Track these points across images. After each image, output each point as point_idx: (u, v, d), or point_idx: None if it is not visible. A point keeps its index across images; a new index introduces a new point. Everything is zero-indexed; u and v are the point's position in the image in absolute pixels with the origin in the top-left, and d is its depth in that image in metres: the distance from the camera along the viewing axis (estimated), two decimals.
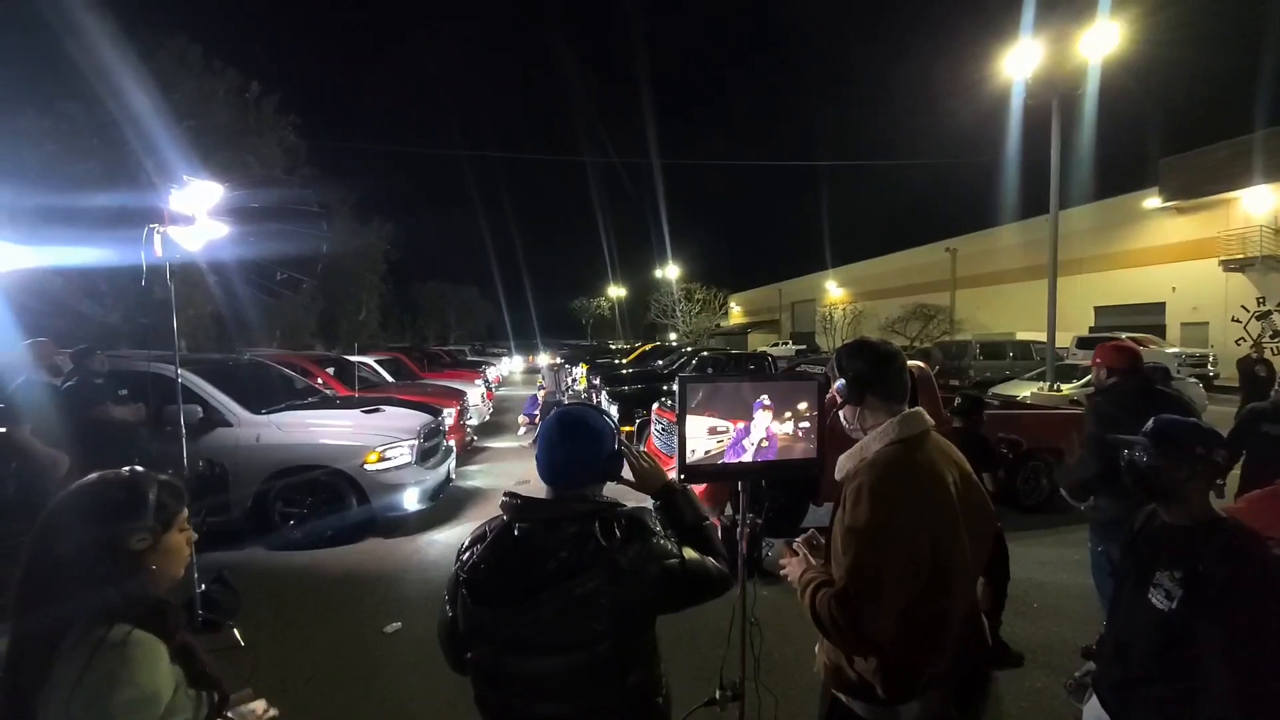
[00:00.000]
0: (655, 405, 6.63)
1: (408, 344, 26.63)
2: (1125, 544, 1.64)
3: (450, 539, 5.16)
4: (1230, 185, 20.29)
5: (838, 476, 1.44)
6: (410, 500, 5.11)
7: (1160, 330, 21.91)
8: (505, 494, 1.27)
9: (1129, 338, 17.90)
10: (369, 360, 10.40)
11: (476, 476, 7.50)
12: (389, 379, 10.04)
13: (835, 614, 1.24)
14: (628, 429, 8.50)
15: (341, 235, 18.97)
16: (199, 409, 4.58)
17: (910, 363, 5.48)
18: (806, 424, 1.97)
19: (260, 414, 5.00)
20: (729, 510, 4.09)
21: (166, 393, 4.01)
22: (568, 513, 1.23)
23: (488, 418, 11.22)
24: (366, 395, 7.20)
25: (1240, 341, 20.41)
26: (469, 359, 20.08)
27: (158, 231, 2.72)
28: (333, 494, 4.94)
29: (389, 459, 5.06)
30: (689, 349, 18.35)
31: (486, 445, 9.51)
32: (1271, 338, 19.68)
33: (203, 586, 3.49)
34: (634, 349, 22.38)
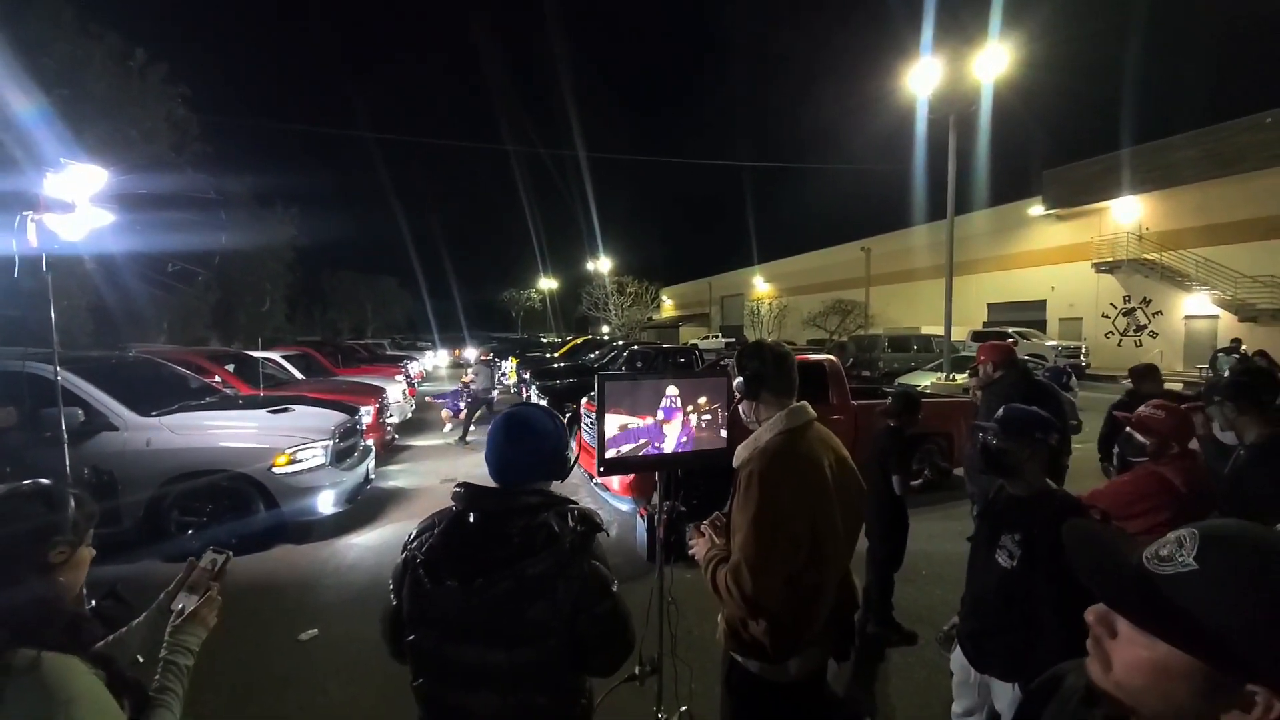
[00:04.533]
0: (584, 399, 6.70)
1: (318, 338, 24.89)
2: (979, 513, 1.90)
3: (371, 542, 5.00)
4: (1102, 196, 22.83)
5: (735, 464, 1.59)
6: (325, 503, 4.90)
7: (1041, 325, 24.40)
8: (456, 484, 1.31)
9: (1015, 332, 19.87)
10: (275, 356, 9.73)
11: (399, 476, 7.26)
12: (298, 376, 9.46)
13: (730, 584, 1.38)
14: None
15: (241, 220, 17.45)
16: (79, 412, 4.17)
17: (823, 357, 5.82)
18: (714, 416, 2.12)
19: (150, 416, 4.62)
20: (655, 500, 4.25)
21: (42, 394, 3.63)
22: (520, 504, 1.27)
23: (410, 415, 10.83)
24: (273, 394, 6.78)
25: (1109, 335, 23.12)
26: (388, 353, 19.18)
27: (32, 219, 2.46)
28: (237, 500, 4.66)
29: (300, 461, 4.83)
30: (620, 342, 18.51)
31: (409, 444, 9.21)
32: (1135, 331, 22.42)
33: (93, 603, 3.22)
34: (565, 342, 22.26)
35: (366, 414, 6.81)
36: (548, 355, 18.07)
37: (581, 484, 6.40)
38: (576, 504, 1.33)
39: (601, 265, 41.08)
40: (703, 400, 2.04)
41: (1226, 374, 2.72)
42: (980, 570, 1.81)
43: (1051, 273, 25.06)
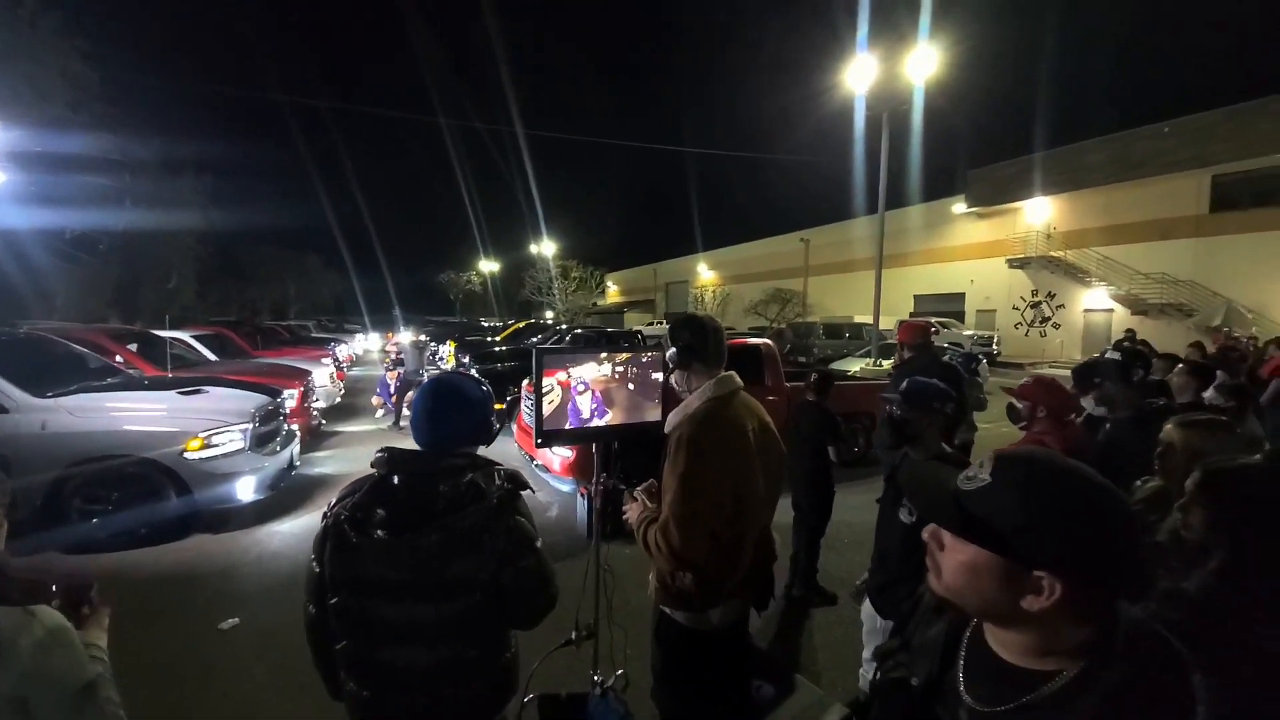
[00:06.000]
0: (526, 381, 6.65)
1: (234, 318, 23.18)
2: (886, 476, 2.07)
3: (295, 529, 4.81)
4: (1017, 196, 24.54)
5: (666, 430, 1.66)
6: (244, 490, 4.65)
7: (960, 316, 26.12)
8: (378, 450, 1.30)
9: (937, 322, 21.17)
10: (183, 335, 9.06)
11: (325, 463, 6.98)
12: (211, 357, 8.86)
13: (659, 539, 1.46)
14: (499, 407, 8.41)
15: (147, 188, 15.94)
16: None
17: (760, 340, 6.04)
18: (654, 389, 2.18)
19: (45, 397, 4.24)
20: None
21: None
22: (446, 465, 1.28)
23: (339, 400, 10.34)
24: (184, 375, 6.34)
25: (1018, 326, 25.01)
26: (313, 335, 18.17)
27: None
28: (145, 486, 4.35)
29: (216, 445, 4.55)
30: (564, 326, 18.38)
31: (337, 430, 8.82)
32: (1040, 323, 24.36)
33: None
34: (507, 326, 21.87)
35: (290, 397, 6.49)
36: (489, 339, 17.71)
37: (522, 466, 6.38)
38: (502, 465, 1.36)
39: (545, 249, 40.38)
40: (654, 375, 2.07)
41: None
42: (886, 528, 1.98)
43: (971, 267, 26.81)
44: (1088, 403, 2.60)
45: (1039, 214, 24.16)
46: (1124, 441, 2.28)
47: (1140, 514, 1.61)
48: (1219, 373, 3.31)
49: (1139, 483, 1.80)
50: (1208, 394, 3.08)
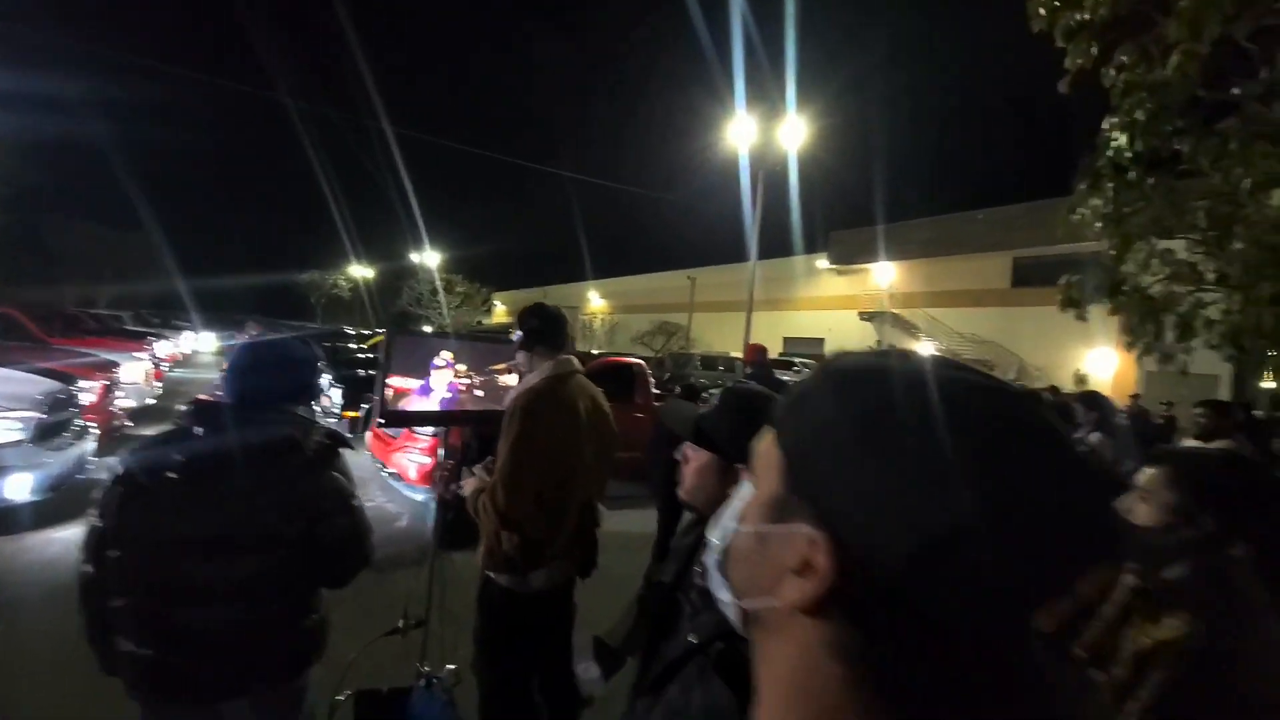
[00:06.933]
0: None
1: (30, 299, 19.26)
2: None
3: (77, 537, 4.07)
4: (868, 260, 28.20)
5: (504, 405, 1.74)
6: (18, 488, 3.92)
7: (821, 359, 29.08)
8: (188, 402, 1.25)
9: (800, 362, 23.31)
10: None
11: None
12: None
13: (487, 502, 1.52)
14: (353, 414, 7.83)
15: None
16: None
17: (633, 360, 6.38)
18: (503, 380, 2.23)
19: None
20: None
21: None
22: (257, 419, 1.22)
23: (152, 401, 8.98)
24: None
25: None
26: (127, 327, 15.62)
27: None
28: None
29: None
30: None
31: (147, 433, 7.61)
32: None
33: None
34: (375, 334, 20.44)
35: (89, 390, 5.57)
36: (351, 345, 16.41)
37: (372, 477, 5.97)
38: (321, 425, 1.34)
39: (428, 259, 38.49)
40: (499, 365, 2.13)
41: None
42: None
43: (831, 316, 30.16)
44: None
45: (884, 276, 27.86)
46: None
47: None
48: None
49: None
50: None
